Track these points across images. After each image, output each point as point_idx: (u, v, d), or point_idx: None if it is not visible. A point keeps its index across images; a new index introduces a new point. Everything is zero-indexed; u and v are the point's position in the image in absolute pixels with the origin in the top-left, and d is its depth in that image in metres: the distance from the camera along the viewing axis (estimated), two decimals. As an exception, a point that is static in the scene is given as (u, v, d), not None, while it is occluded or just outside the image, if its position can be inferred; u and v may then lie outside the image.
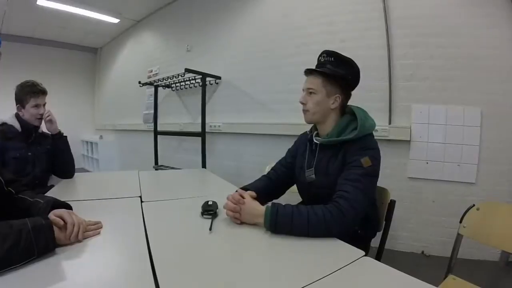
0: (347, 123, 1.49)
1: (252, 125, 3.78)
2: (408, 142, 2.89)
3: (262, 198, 1.54)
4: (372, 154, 1.37)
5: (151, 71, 5.74)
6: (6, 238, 0.93)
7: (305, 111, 1.54)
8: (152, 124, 5.09)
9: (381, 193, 1.68)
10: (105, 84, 8.41)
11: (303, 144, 1.69)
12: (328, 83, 1.47)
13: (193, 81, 4.33)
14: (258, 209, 1.33)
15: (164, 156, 5.05)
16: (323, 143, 1.52)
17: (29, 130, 2.32)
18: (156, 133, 4.97)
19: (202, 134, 3.87)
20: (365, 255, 1.05)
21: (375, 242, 1.57)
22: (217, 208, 1.50)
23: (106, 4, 5.86)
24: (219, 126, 4.15)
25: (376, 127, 1.48)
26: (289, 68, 3.49)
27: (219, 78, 4.20)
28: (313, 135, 1.59)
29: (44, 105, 2.35)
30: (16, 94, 2.33)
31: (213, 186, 2.58)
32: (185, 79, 4.32)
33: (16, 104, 2.33)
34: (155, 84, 4.86)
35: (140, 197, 1.84)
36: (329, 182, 1.43)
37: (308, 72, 1.53)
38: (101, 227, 1.27)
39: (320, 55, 1.54)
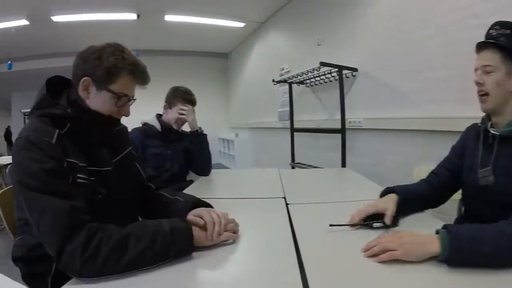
0: None
1: (396, 120, 3.36)
2: None
3: (411, 205, 1.37)
4: None
5: (283, 69, 5.85)
6: (141, 239, 0.95)
7: (482, 95, 1.27)
8: (288, 121, 5.19)
9: None
10: (238, 84, 8.99)
11: (473, 139, 1.40)
12: (507, 59, 1.19)
13: (329, 75, 4.25)
14: (423, 235, 0.98)
15: (299, 154, 5.09)
16: (504, 134, 1.22)
17: (168, 131, 2.53)
18: (293, 130, 5.04)
19: (341, 131, 3.76)
20: None
21: None
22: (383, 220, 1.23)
23: (230, 10, 6.26)
24: (359, 121, 3.90)
25: None
26: (434, 50, 2.93)
27: (356, 70, 4.02)
28: (488, 126, 1.30)
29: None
30: (168, 94, 2.59)
31: (361, 188, 2.25)
32: (320, 74, 4.28)
33: (165, 103, 2.58)
34: (289, 81, 4.93)
35: (284, 198, 1.76)
36: None
37: (482, 45, 1.26)
38: (238, 225, 1.22)
39: (491, 28, 1.26)
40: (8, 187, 1.59)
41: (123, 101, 1.24)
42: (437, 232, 0.96)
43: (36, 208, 0.97)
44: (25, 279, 1.25)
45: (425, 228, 1.05)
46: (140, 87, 1.31)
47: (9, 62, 7.03)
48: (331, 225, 1.22)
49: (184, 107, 2.49)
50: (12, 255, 1.28)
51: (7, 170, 4.96)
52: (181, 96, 2.54)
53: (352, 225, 1.24)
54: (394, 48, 3.42)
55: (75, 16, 6.05)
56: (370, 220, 1.24)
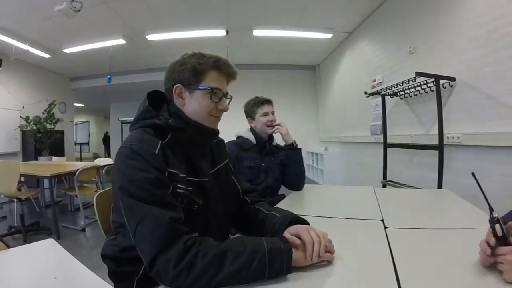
0: None
1: (502, 135, 3.02)
2: None
3: None
4: None
5: (374, 80, 5.75)
6: (238, 257, 0.97)
7: None
8: (380, 136, 5.09)
9: None
10: (327, 97, 9.00)
11: None
12: None
13: (424, 86, 4.07)
14: None
15: (391, 171, 4.94)
16: None
17: (263, 143, 2.67)
18: (386, 145, 4.91)
19: (439, 147, 3.59)
20: None
21: None
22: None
23: (316, 22, 6.46)
24: (457, 137, 3.58)
25: None
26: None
27: (453, 79, 3.76)
28: None
29: (272, 113, 2.69)
30: (245, 110, 2.77)
31: (463, 214, 2.00)
32: (415, 85, 4.13)
33: (247, 118, 2.76)
34: (382, 93, 4.83)
35: (382, 220, 1.69)
36: None
37: None
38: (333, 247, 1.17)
39: None
40: (103, 190, 1.78)
41: (217, 95, 1.32)
42: None
43: (135, 216, 1.04)
44: (111, 276, 1.34)
45: None
46: (230, 80, 1.40)
47: (108, 76, 7.95)
48: None
49: (278, 125, 2.65)
50: (102, 253, 1.38)
51: (103, 171, 5.63)
52: (255, 103, 2.72)
53: None
54: (496, 54, 3.13)
55: (167, 34, 6.67)
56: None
